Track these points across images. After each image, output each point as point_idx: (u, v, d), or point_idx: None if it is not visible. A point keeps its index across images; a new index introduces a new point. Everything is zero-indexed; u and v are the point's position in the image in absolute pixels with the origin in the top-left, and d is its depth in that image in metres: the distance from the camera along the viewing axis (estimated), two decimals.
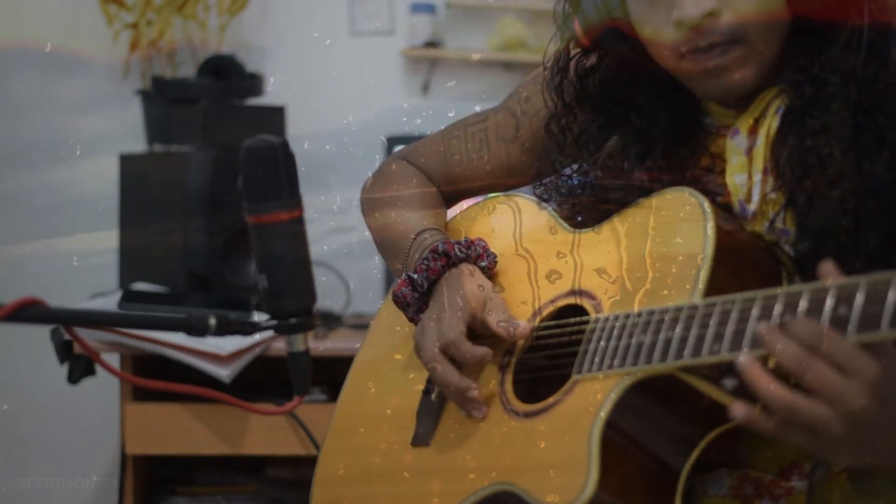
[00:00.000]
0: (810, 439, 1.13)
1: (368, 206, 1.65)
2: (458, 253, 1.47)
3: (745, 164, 1.36)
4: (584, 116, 1.47)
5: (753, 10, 1.30)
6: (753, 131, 1.36)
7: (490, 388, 1.40)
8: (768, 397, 1.11)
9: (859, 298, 1.07)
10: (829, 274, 1.10)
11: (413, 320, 1.48)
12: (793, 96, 1.34)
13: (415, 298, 1.47)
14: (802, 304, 1.11)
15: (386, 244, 1.60)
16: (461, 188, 1.63)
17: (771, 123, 1.35)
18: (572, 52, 1.47)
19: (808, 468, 1.33)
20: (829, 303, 1.09)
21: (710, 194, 1.34)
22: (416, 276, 1.47)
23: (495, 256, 1.49)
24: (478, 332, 1.42)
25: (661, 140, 1.40)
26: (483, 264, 1.48)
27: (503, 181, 1.60)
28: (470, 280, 1.43)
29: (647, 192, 1.37)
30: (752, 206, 1.35)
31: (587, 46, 1.44)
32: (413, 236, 1.54)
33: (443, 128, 1.66)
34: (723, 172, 1.38)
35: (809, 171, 1.30)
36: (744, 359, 1.13)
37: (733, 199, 1.36)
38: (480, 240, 1.49)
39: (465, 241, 1.48)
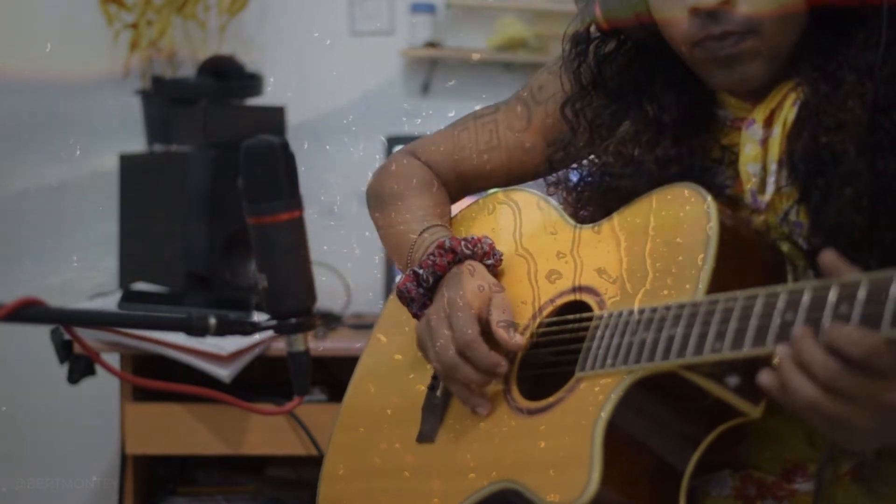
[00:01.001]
0: (834, 430, 1.13)
1: (374, 201, 1.65)
2: (465, 250, 1.47)
3: (760, 155, 1.35)
4: (599, 101, 1.47)
5: (770, 2, 1.30)
6: (769, 123, 1.36)
7: (495, 384, 1.40)
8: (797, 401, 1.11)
9: (861, 296, 1.07)
10: (831, 264, 1.10)
11: (416, 315, 1.47)
12: (808, 92, 1.33)
13: (419, 294, 1.47)
14: (804, 302, 1.11)
15: (391, 241, 1.59)
16: (470, 181, 1.63)
17: (788, 115, 1.34)
18: (592, 35, 1.47)
19: (812, 469, 1.33)
20: (831, 300, 1.09)
21: (719, 187, 1.34)
22: (421, 271, 1.46)
23: (501, 255, 1.49)
24: (481, 330, 1.41)
25: (672, 129, 1.40)
26: (489, 262, 1.47)
27: (515, 173, 1.59)
28: (471, 279, 1.43)
29: (657, 181, 1.36)
30: (766, 197, 1.34)
31: (606, 31, 1.44)
32: (417, 233, 1.53)
33: (451, 122, 1.65)
34: (734, 164, 1.37)
35: (823, 167, 1.30)
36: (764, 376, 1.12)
37: (745, 189, 1.36)
38: (486, 237, 1.49)
39: (472, 238, 1.48)
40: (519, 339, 1.39)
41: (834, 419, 1.10)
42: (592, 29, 1.46)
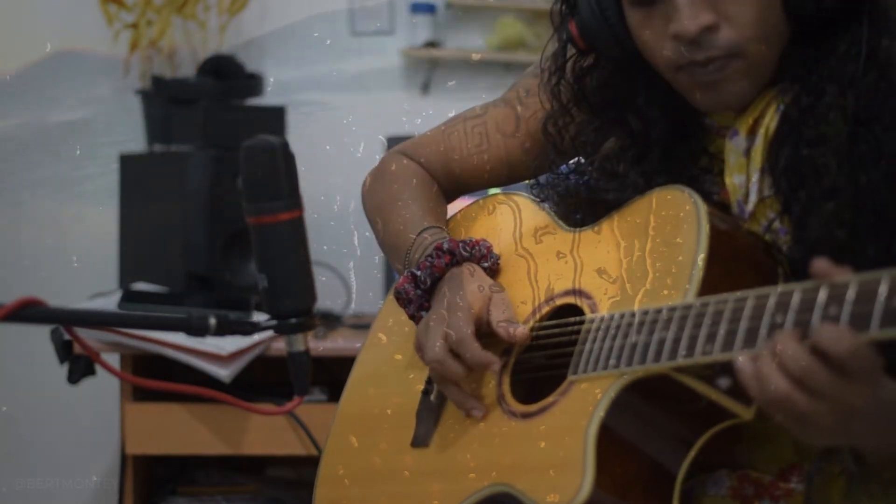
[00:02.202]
0: (796, 426, 1.14)
1: (372, 203, 1.64)
2: (463, 252, 1.46)
3: (744, 165, 1.36)
4: (581, 117, 1.47)
5: (752, 24, 1.29)
6: (752, 132, 1.36)
7: (488, 388, 1.40)
8: (764, 397, 1.12)
9: (850, 296, 1.07)
10: (823, 271, 1.10)
11: (413, 317, 1.47)
12: (790, 103, 1.33)
13: (417, 295, 1.46)
14: (794, 303, 1.11)
15: (389, 242, 1.59)
16: (462, 183, 1.63)
17: (770, 124, 1.34)
18: (569, 53, 1.47)
19: (807, 468, 1.33)
20: (821, 301, 1.09)
21: (706, 194, 1.34)
22: (419, 272, 1.46)
23: (498, 258, 1.49)
24: (480, 331, 1.41)
25: (658, 142, 1.40)
26: (486, 265, 1.47)
27: (504, 176, 1.59)
28: (471, 280, 1.43)
29: (643, 192, 1.36)
30: (750, 206, 1.35)
31: (583, 49, 1.43)
32: (416, 234, 1.53)
33: (440, 123, 1.66)
34: (721, 173, 1.38)
35: (805, 181, 1.30)
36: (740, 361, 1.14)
37: (732, 199, 1.36)
38: (484, 240, 1.49)
39: (471, 240, 1.48)
40: (522, 330, 1.39)
41: (799, 415, 1.11)
42: (569, 46, 1.45)
